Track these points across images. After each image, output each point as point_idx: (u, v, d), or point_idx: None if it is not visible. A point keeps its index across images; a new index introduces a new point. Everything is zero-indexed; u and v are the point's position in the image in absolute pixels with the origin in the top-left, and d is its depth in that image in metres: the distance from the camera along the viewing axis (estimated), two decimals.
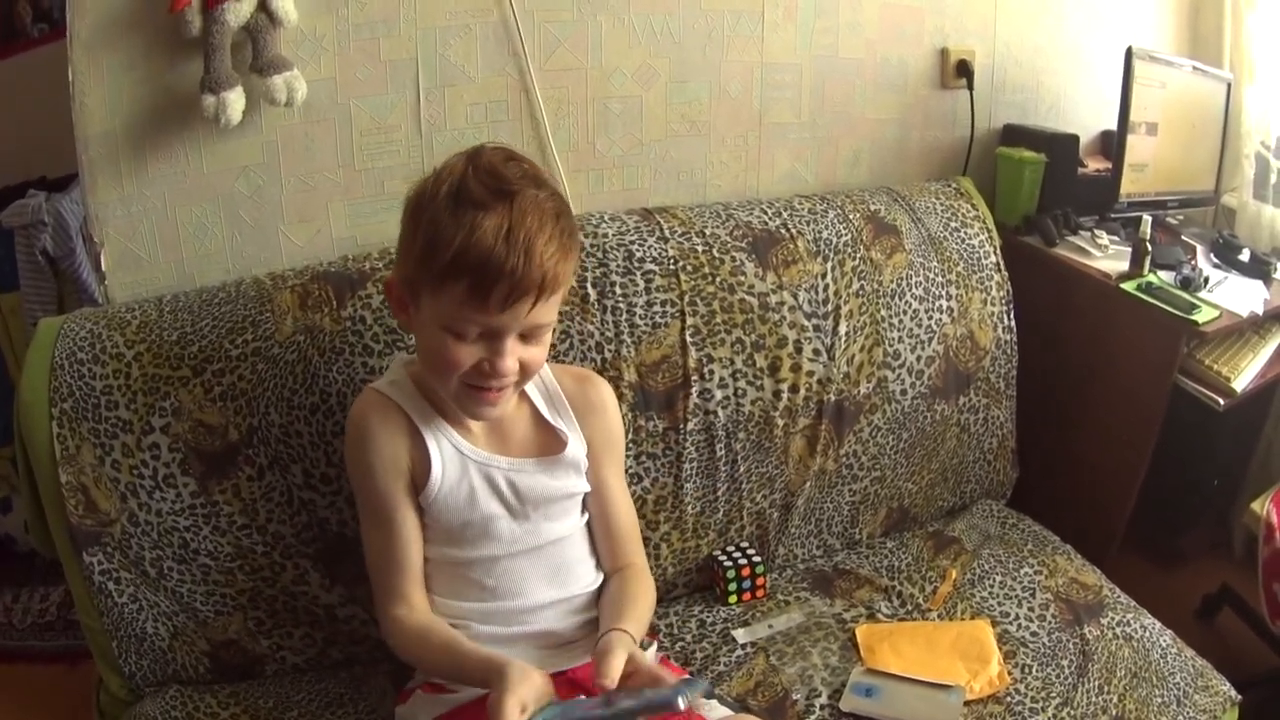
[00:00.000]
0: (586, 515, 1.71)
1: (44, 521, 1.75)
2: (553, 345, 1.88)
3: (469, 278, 1.39)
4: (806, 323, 2.10)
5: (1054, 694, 1.77)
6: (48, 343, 1.76)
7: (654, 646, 1.75)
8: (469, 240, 1.39)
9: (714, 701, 1.63)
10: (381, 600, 1.59)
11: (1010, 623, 1.94)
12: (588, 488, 1.69)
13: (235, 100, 1.85)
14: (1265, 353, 2.38)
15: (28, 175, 2.87)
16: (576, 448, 1.65)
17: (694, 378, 2.00)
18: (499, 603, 1.60)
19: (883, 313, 2.18)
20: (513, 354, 1.46)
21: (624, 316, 1.98)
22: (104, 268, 1.97)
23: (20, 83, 3.05)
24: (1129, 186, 2.51)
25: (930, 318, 2.23)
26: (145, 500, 1.73)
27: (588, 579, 1.68)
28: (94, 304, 2.19)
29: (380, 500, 1.57)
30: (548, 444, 1.65)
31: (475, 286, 1.40)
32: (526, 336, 1.48)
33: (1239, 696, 1.87)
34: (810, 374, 2.09)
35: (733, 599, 2.02)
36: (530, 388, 1.65)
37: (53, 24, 3.08)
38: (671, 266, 2.03)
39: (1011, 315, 2.33)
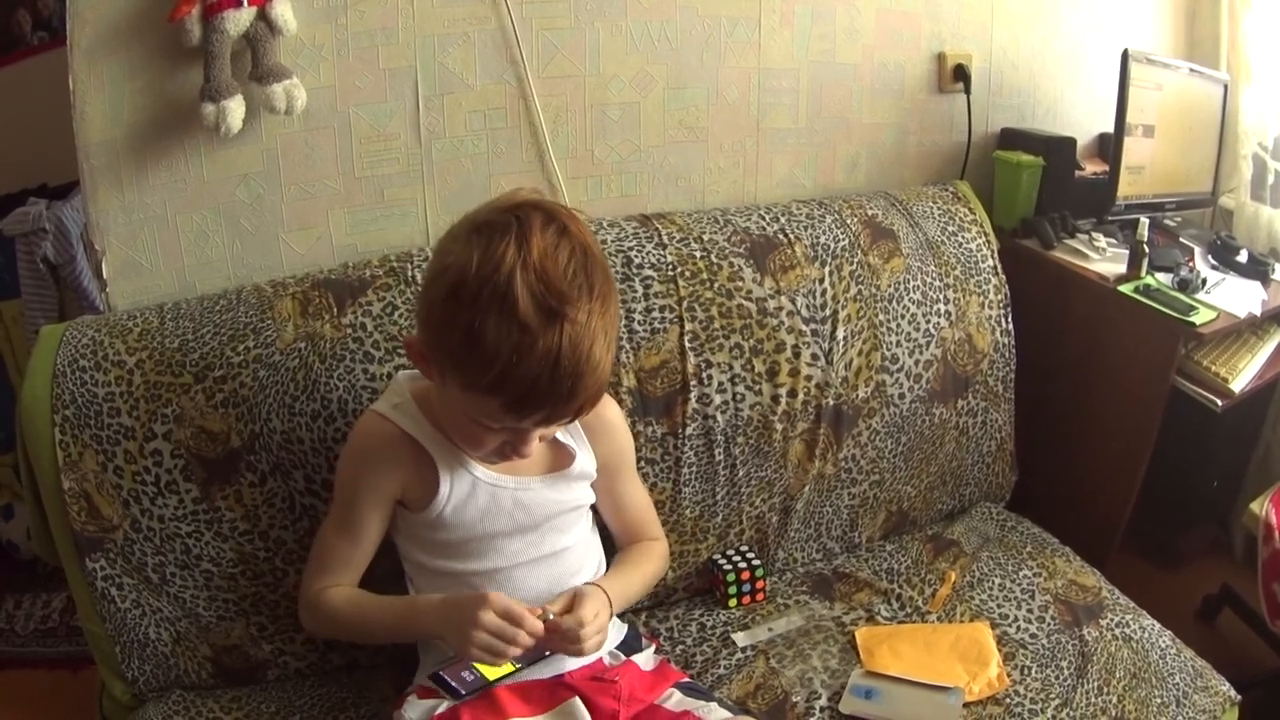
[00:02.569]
0: (589, 523, 1.73)
1: (47, 528, 1.76)
2: None
3: (507, 398, 1.35)
4: (804, 327, 2.10)
5: (1053, 695, 1.78)
6: (50, 350, 1.77)
7: (651, 648, 1.76)
8: (513, 368, 1.32)
9: (714, 704, 1.63)
10: (312, 576, 1.65)
11: (1009, 624, 1.94)
12: (593, 498, 1.70)
13: (235, 108, 1.85)
14: (1263, 354, 2.38)
15: (28, 183, 2.88)
16: (584, 462, 1.66)
17: (692, 383, 2.00)
18: None
19: (880, 317, 2.18)
20: (537, 443, 1.47)
21: (622, 323, 1.97)
22: (105, 275, 1.98)
23: (20, 90, 3.06)
24: (1126, 189, 2.50)
25: (928, 321, 2.23)
26: (147, 506, 1.73)
27: (589, 579, 1.69)
28: (95, 311, 2.20)
29: (356, 516, 1.61)
30: (557, 459, 1.66)
31: (513, 407, 1.36)
32: None
33: (1239, 697, 1.87)
34: (808, 378, 2.10)
35: (732, 602, 2.02)
36: None
37: (52, 32, 3.09)
38: (670, 272, 2.04)
39: (1009, 318, 2.33)
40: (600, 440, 1.70)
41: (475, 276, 1.33)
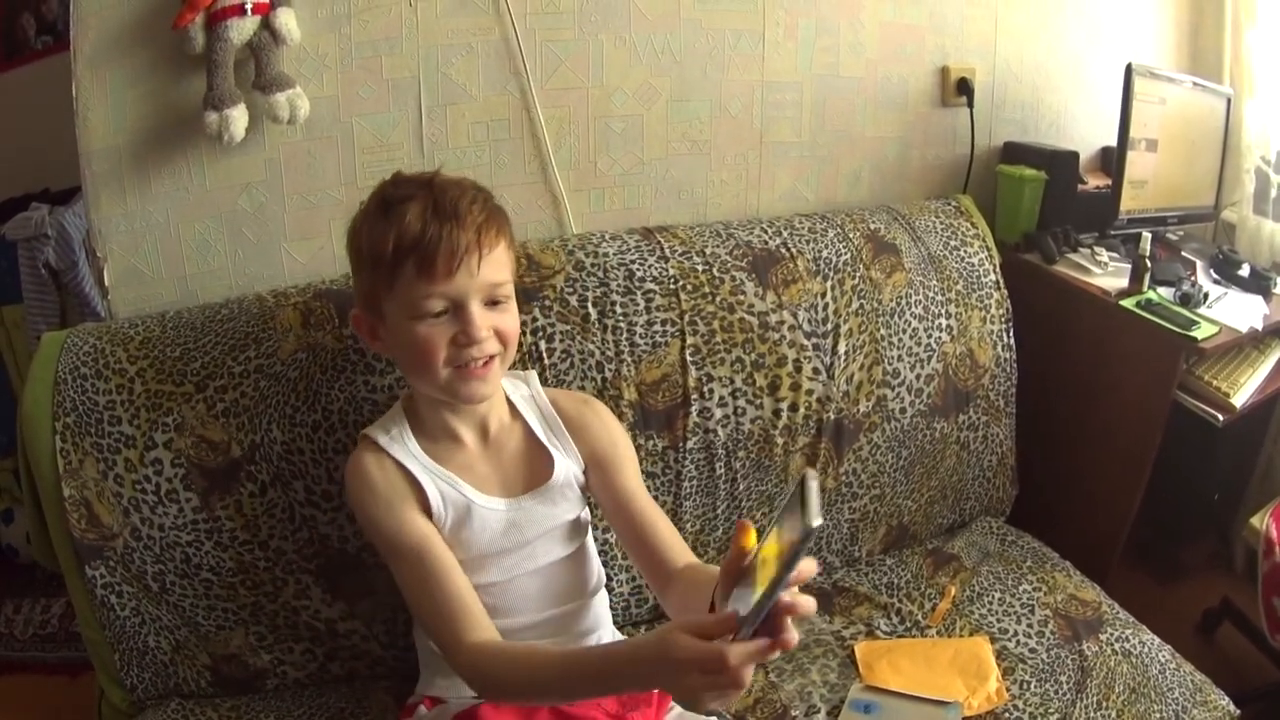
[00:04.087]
0: (584, 533, 1.72)
1: (47, 534, 1.76)
2: (553, 365, 1.92)
3: (412, 258, 1.46)
4: (806, 342, 2.10)
5: (1052, 710, 1.78)
6: (51, 357, 1.77)
7: None
8: (402, 228, 1.47)
9: (713, 719, 1.63)
10: (449, 637, 1.47)
11: (1009, 639, 1.94)
12: (583, 508, 1.69)
13: (238, 117, 1.86)
14: (1265, 368, 2.38)
15: (30, 187, 2.89)
16: (565, 468, 1.64)
17: (694, 397, 2.01)
18: (500, 620, 1.60)
19: (882, 331, 2.18)
20: (482, 319, 1.49)
21: (624, 336, 1.98)
22: (107, 283, 1.98)
23: (23, 95, 3.07)
24: (1129, 203, 2.51)
25: (930, 336, 2.23)
26: (148, 515, 1.73)
27: (586, 591, 1.70)
28: (96, 317, 2.20)
29: (403, 537, 1.52)
30: (540, 471, 1.64)
31: (420, 264, 1.46)
32: (490, 303, 1.51)
33: (1238, 711, 1.86)
34: (810, 393, 2.10)
35: None
36: (526, 409, 1.67)
37: (56, 36, 3.10)
38: (672, 286, 2.04)
39: (1011, 333, 2.33)
40: (586, 435, 1.68)
41: (361, 211, 1.57)
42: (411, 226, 1.46)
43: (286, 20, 1.88)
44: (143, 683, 1.80)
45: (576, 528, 1.69)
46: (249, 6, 1.83)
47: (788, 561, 1.03)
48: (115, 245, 1.96)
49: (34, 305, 2.71)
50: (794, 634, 1.11)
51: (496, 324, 1.51)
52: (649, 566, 1.61)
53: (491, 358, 1.52)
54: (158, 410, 1.74)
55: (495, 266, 1.50)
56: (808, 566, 1.08)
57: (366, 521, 1.58)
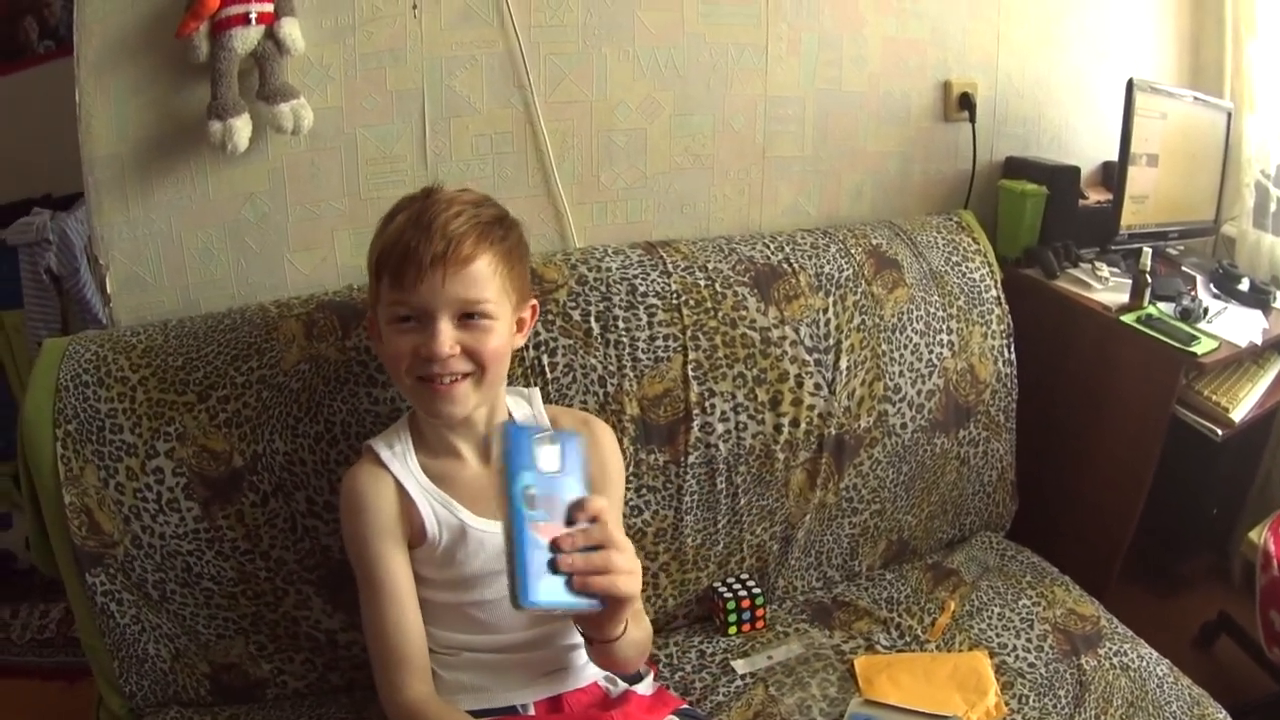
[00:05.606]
0: None
1: (47, 541, 1.76)
2: (555, 380, 1.92)
3: (389, 267, 1.50)
4: (808, 357, 2.10)
5: None
6: (52, 363, 1.77)
7: (650, 675, 1.75)
8: (386, 237, 1.52)
9: None
10: (394, 679, 1.53)
11: (1008, 654, 1.94)
12: None
13: (242, 127, 1.86)
14: (1264, 383, 2.39)
15: (32, 192, 2.88)
16: None
17: (695, 411, 2.01)
18: (490, 635, 1.61)
19: (884, 347, 2.18)
20: (446, 336, 1.48)
21: (626, 350, 1.98)
22: (109, 290, 1.98)
23: (25, 99, 3.06)
24: (1129, 218, 2.51)
25: (931, 352, 2.23)
26: (149, 524, 1.73)
27: None
28: (98, 324, 2.20)
29: (380, 572, 1.55)
30: None
31: (394, 272, 1.49)
32: (465, 321, 1.50)
33: None
34: (811, 408, 2.10)
35: (732, 630, 2.02)
36: None
37: (59, 41, 3.10)
38: (674, 301, 2.04)
39: (1012, 348, 2.33)
40: None
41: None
42: (393, 236, 1.50)
43: (291, 30, 1.88)
44: (141, 690, 1.79)
45: None
46: (253, 16, 1.83)
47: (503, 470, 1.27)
48: (117, 252, 1.96)
49: (35, 311, 2.71)
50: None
51: (468, 342, 1.50)
52: None
53: (460, 377, 1.51)
54: (159, 419, 1.74)
55: (467, 283, 1.49)
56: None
57: (350, 539, 1.60)
